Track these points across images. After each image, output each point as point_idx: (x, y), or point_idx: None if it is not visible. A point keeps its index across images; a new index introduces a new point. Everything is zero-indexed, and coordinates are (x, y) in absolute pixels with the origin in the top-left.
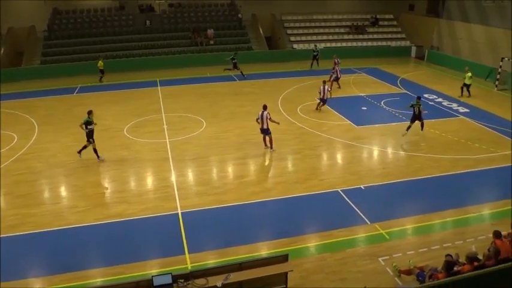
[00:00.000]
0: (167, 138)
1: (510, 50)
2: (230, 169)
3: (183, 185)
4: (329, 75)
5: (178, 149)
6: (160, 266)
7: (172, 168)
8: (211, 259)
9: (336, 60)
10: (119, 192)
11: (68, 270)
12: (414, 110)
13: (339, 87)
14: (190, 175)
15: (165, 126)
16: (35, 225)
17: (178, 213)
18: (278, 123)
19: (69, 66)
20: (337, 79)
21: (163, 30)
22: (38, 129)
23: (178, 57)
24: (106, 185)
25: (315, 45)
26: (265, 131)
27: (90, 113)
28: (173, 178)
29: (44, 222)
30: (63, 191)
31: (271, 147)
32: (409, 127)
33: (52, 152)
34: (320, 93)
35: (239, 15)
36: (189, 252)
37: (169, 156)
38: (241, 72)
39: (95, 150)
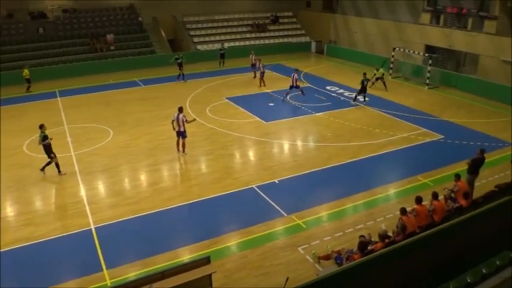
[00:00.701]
0: (72, 151)
1: (400, 41)
2: (143, 177)
3: (93, 199)
4: (253, 72)
5: (85, 162)
6: (78, 286)
7: (80, 182)
8: (131, 272)
9: (254, 57)
10: (24, 214)
11: None
12: (364, 84)
13: (264, 84)
14: (101, 187)
15: (68, 139)
16: None
17: (91, 228)
18: (195, 120)
19: None
20: (262, 75)
21: (58, 38)
22: None
23: (78, 65)
24: (8, 208)
25: (222, 44)
26: (182, 134)
27: (42, 126)
28: (82, 192)
29: None
30: None
31: (184, 151)
32: (355, 98)
33: None
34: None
35: (139, 19)
36: (107, 268)
37: (76, 170)
38: (183, 74)
39: (57, 165)
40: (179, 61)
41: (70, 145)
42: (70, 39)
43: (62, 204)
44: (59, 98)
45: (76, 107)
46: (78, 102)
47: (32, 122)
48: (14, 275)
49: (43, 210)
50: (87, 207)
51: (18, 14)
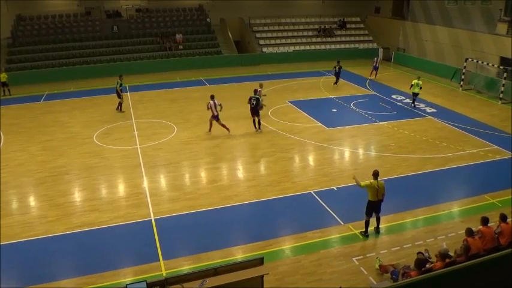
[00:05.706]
0: (138, 144)
1: (473, 51)
2: (202, 174)
3: (155, 191)
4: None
5: (150, 155)
6: (135, 273)
7: (144, 174)
8: (186, 265)
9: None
10: (90, 200)
11: (38, 282)
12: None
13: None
14: (163, 181)
15: (135, 132)
16: (3, 236)
17: (151, 219)
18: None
19: (35, 73)
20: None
21: (131, 36)
22: (4, 138)
23: (147, 63)
24: (76, 193)
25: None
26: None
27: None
28: (145, 184)
29: (12, 233)
30: (32, 201)
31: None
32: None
33: (19, 161)
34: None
35: (208, 20)
36: (163, 259)
37: (141, 162)
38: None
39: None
40: (120, 87)
41: (136, 138)
42: (142, 37)
43: (126, 194)
44: (128, 93)
45: (144, 102)
46: (146, 97)
47: (102, 114)
48: (77, 256)
49: (108, 198)
50: (149, 199)
51: (95, 12)
